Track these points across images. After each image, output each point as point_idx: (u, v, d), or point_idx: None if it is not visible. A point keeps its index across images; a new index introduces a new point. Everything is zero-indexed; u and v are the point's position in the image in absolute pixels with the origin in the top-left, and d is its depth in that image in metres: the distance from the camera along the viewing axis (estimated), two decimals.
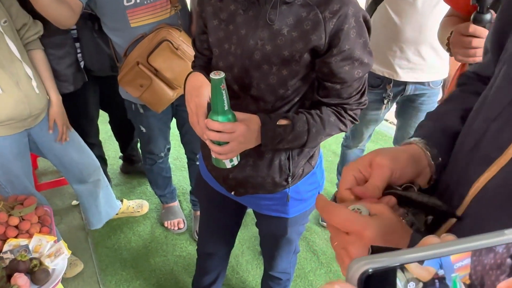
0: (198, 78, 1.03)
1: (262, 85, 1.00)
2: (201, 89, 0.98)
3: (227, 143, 0.93)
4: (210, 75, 0.84)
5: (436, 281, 0.26)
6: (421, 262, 0.25)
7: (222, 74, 0.84)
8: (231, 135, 0.91)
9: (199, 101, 0.97)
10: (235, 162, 1.00)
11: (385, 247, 0.37)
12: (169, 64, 1.61)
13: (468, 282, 0.27)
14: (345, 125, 1.06)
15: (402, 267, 0.25)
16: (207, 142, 0.95)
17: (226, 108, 0.90)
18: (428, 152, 0.58)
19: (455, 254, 0.26)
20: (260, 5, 0.95)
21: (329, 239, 2.24)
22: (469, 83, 0.70)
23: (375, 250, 0.37)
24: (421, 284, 0.25)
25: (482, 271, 0.26)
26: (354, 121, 1.07)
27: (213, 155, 0.98)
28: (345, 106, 1.03)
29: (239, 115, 0.94)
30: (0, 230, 1.48)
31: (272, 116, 0.98)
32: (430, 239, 0.31)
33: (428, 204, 0.52)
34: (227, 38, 1.01)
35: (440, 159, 0.58)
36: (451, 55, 1.16)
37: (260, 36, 0.95)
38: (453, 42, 1.11)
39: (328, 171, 2.77)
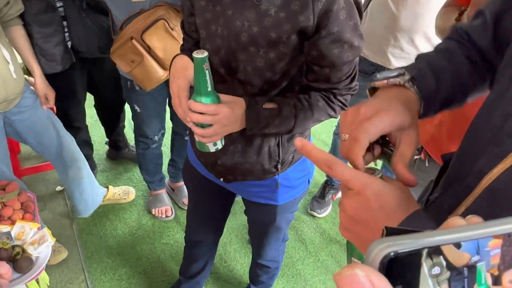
0: (183, 60, 1.00)
1: (249, 68, 0.97)
2: (185, 71, 0.96)
3: (211, 125, 0.90)
4: (193, 54, 0.80)
5: (465, 268, 0.23)
6: (456, 245, 0.23)
7: (205, 53, 0.80)
8: (214, 118, 0.88)
9: (181, 83, 0.95)
10: (219, 146, 0.97)
11: (400, 229, 0.35)
12: (163, 43, 1.57)
13: (496, 273, 0.24)
14: (334, 110, 1.03)
15: (430, 251, 0.22)
16: (190, 125, 0.92)
17: (209, 89, 0.86)
18: (419, 101, 0.60)
19: (493, 240, 0.23)
20: None
21: (317, 228, 2.23)
22: (462, 42, 0.68)
23: (390, 232, 0.35)
24: (447, 271, 0.23)
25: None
26: (344, 106, 1.04)
27: (197, 138, 0.95)
28: (334, 91, 1.00)
29: (224, 97, 0.91)
30: None
31: (258, 99, 0.95)
32: (456, 220, 0.29)
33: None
34: (214, 20, 0.97)
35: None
36: None
37: (246, 17, 0.92)
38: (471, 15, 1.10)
39: None
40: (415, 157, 1.32)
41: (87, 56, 1.94)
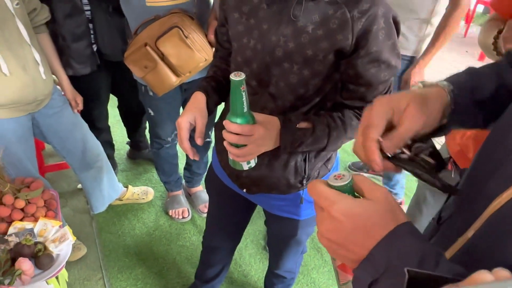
0: (196, 97, 1.05)
1: (281, 83, 0.97)
2: (193, 109, 1.01)
3: (245, 145, 0.90)
4: (230, 76, 0.80)
5: None
6: None
7: (243, 76, 0.81)
8: (249, 138, 0.88)
9: (182, 123, 0.99)
10: (253, 164, 0.97)
11: (422, 273, 0.35)
12: (176, 50, 1.59)
13: None
14: None
15: None
16: (225, 144, 0.92)
17: (245, 110, 0.86)
18: (451, 102, 0.59)
19: None
20: (284, 0, 0.91)
21: None
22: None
23: (412, 275, 0.34)
24: None
25: None
26: None
27: (231, 157, 0.95)
28: None
29: (259, 116, 0.90)
30: (6, 212, 1.46)
31: (292, 119, 0.95)
32: (483, 275, 0.28)
33: (427, 181, 0.56)
34: (247, 32, 0.97)
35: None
36: (497, 54, 1.13)
37: (283, 33, 0.92)
38: (506, 37, 1.08)
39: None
40: None
41: (112, 59, 1.98)
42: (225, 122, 0.88)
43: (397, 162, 0.55)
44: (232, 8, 1.00)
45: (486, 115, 0.64)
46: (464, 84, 0.62)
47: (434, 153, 0.58)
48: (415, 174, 0.55)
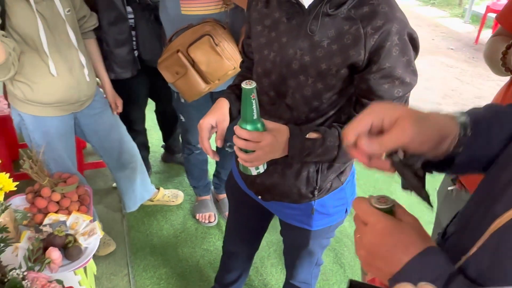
0: (219, 102, 1.10)
1: (297, 95, 1.00)
2: (215, 112, 1.06)
3: (254, 151, 0.93)
4: (242, 84, 0.84)
5: None
6: None
7: (253, 84, 0.84)
8: (257, 144, 0.91)
9: (203, 123, 1.04)
10: (261, 170, 1.00)
11: (363, 284, 0.38)
12: (206, 58, 1.65)
13: None
14: None
15: None
16: (235, 148, 0.96)
17: (255, 117, 0.89)
18: (458, 137, 0.57)
19: None
20: (304, 14, 0.94)
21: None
22: None
23: (354, 285, 0.37)
24: None
25: None
26: None
27: (240, 162, 0.99)
28: None
29: (269, 124, 0.93)
30: (43, 204, 1.57)
31: (302, 128, 0.97)
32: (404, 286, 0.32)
33: (414, 188, 0.59)
34: (268, 45, 1.01)
35: (461, 147, 0.58)
36: (506, 70, 1.10)
37: (300, 46, 0.95)
38: None
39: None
40: (450, 188, 1.28)
41: (151, 65, 2.07)
42: (235, 128, 0.92)
43: (390, 160, 0.58)
44: (255, 21, 1.04)
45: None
46: (484, 120, 0.61)
47: (426, 164, 0.60)
48: (404, 177, 0.58)
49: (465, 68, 4.74)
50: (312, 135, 0.97)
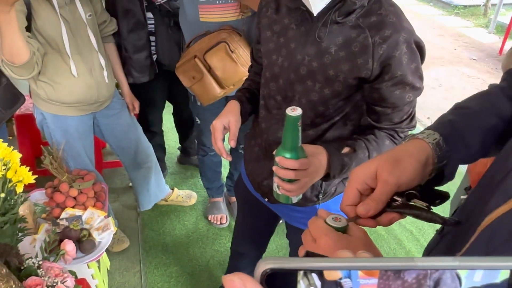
0: (230, 104, 1.13)
1: (303, 100, 1.03)
2: (228, 114, 1.09)
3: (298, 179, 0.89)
4: (286, 111, 0.79)
5: (336, 283, 0.27)
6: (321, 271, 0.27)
7: (299, 111, 0.78)
8: (305, 172, 0.88)
9: (216, 124, 1.07)
10: (301, 195, 0.96)
11: (318, 254, 0.41)
12: (222, 64, 1.70)
13: None
14: None
15: (306, 272, 0.27)
16: (276, 179, 0.91)
17: (299, 144, 0.84)
18: (436, 155, 0.58)
19: (362, 270, 0.27)
20: (312, 21, 0.97)
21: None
22: (510, 85, 0.68)
23: (309, 254, 0.40)
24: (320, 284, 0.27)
25: None
26: None
27: (280, 192, 0.93)
28: (397, 129, 1.03)
29: (306, 148, 0.89)
30: (61, 198, 1.65)
31: (335, 146, 0.97)
32: (343, 253, 0.34)
33: (428, 219, 0.56)
34: (276, 50, 1.05)
35: (445, 161, 0.59)
36: None
37: (307, 52, 0.98)
38: None
39: None
40: (463, 197, 1.28)
41: (169, 69, 2.14)
42: (280, 158, 0.86)
43: (394, 209, 0.58)
44: (265, 27, 1.08)
45: (484, 149, 0.64)
46: (455, 129, 0.62)
47: (425, 192, 0.59)
48: (414, 216, 0.57)
49: (486, 79, 4.65)
50: (345, 150, 0.97)
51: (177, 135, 2.86)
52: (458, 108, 0.67)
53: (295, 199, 0.96)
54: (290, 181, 0.89)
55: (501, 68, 1.25)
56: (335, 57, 0.95)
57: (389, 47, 0.90)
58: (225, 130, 1.10)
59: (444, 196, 0.60)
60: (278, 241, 2.27)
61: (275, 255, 2.21)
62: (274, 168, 0.90)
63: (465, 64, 5.12)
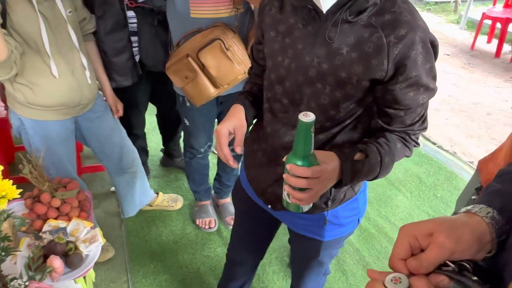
0: (235, 108, 1.06)
1: (312, 103, 0.97)
2: (232, 118, 1.02)
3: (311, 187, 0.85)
4: (299, 116, 0.75)
5: None
6: None
7: (312, 117, 0.75)
8: (318, 180, 0.84)
9: (221, 129, 0.99)
10: (311, 204, 0.92)
11: None
12: (217, 62, 1.63)
13: None
14: (410, 150, 1.01)
15: None
16: (286, 188, 0.87)
17: (312, 151, 0.81)
18: (493, 230, 0.54)
19: None
20: (321, 21, 0.92)
21: (360, 261, 2.16)
22: None
23: None
24: None
25: None
26: (416, 145, 1.02)
27: (291, 201, 0.89)
28: (409, 132, 0.99)
29: (317, 154, 0.85)
30: (42, 210, 1.53)
31: (347, 152, 0.92)
32: None
33: None
34: (282, 51, 0.99)
35: (504, 236, 0.55)
36: None
37: (317, 53, 0.92)
38: None
39: None
40: (474, 197, 1.27)
41: (153, 69, 2.04)
42: (291, 166, 0.82)
43: (444, 272, 0.53)
44: (269, 26, 1.01)
45: None
46: (507, 199, 0.58)
47: (477, 269, 0.54)
48: (465, 286, 0.53)
49: (461, 74, 4.76)
50: (357, 156, 0.92)
51: (159, 137, 2.76)
52: (502, 175, 0.64)
53: (305, 208, 0.92)
54: (301, 189, 0.85)
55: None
56: (347, 58, 0.90)
57: (405, 46, 0.86)
58: (229, 136, 1.02)
59: (494, 280, 0.55)
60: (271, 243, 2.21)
61: (268, 259, 2.16)
62: (284, 175, 0.86)
63: (439, 60, 5.17)
